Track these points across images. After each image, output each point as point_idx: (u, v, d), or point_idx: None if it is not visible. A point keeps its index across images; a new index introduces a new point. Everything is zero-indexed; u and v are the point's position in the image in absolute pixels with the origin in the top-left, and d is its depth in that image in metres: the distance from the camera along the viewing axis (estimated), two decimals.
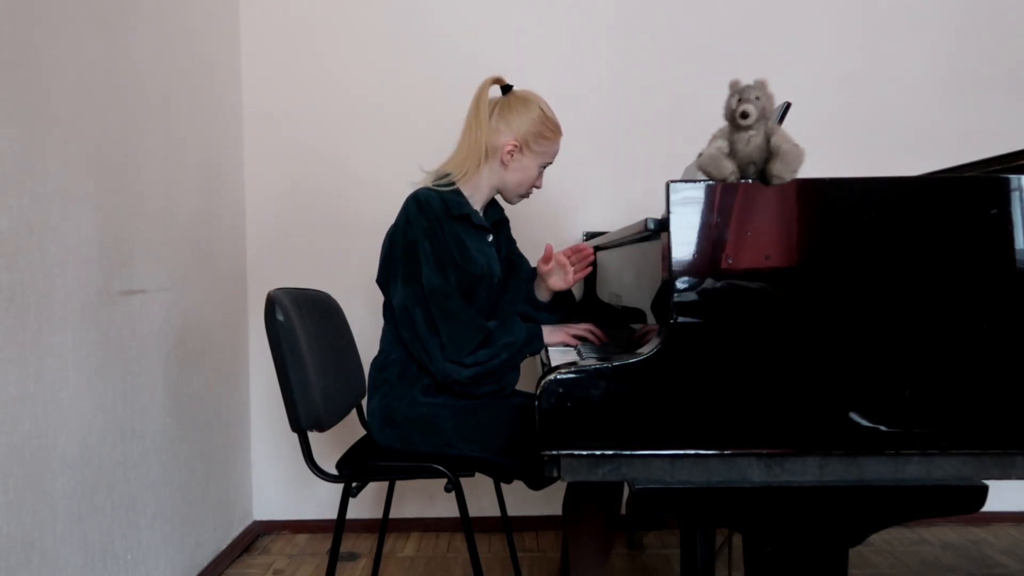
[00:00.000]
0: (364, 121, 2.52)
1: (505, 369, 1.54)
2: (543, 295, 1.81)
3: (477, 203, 1.70)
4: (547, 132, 1.66)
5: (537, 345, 1.58)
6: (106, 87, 1.68)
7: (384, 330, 1.68)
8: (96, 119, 1.64)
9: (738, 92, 1.10)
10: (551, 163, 1.72)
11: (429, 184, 1.64)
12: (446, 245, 1.56)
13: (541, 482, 1.57)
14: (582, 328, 1.66)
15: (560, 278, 1.75)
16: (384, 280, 1.64)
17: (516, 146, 1.64)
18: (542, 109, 1.67)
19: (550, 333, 1.63)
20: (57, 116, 1.51)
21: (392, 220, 1.64)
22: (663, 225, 1.08)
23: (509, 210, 1.84)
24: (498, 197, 1.78)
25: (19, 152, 1.39)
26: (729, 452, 1.06)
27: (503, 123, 1.65)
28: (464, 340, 1.50)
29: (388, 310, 1.65)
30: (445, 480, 1.51)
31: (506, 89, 1.70)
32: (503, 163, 1.66)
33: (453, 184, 1.64)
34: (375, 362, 1.66)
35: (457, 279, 1.56)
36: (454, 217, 1.60)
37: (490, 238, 1.72)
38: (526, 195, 1.74)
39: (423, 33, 2.50)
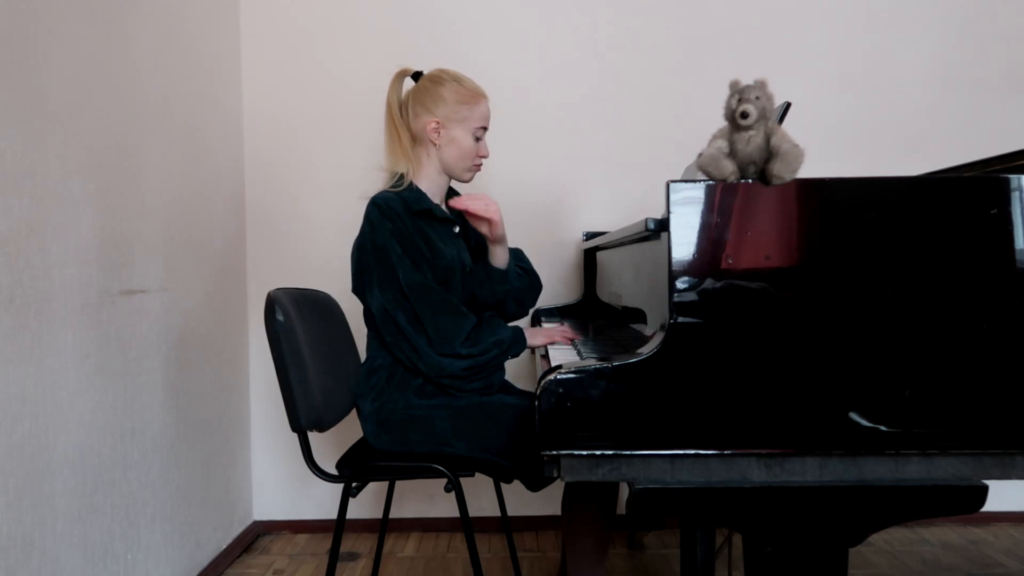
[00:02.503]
0: (364, 121, 2.51)
1: (494, 366, 1.56)
2: (499, 259, 1.73)
3: (436, 196, 1.70)
4: (463, 98, 1.64)
5: (520, 347, 1.59)
6: (106, 87, 1.68)
7: (368, 336, 1.68)
8: (96, 119, 1.64)
9: (738, 92, 1.10)
10: (486, 127, 1.69)
11: (385, 188, 1.64)
12: (415, 242, 1.56)
13: (539, 483, 1.57)
14: (560, 332, 1.69)
15: (484, 226, 1.68)
16: (359, 289, 1.64)
17: (437, 122, 1.64)
18: (454, 79, 1.66)
19: (532, 336, 1.64)
20: (57, 116, 1.51)
21: None
22: (663, 225, 1.08)
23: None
24: (454, 183, 1.76)
25: (19, 152, 1.39)
26: (729, 452, 1.06)
27: (419, 106, 1.65)
28: (453, 331, 1.51)
29: (369, 317, 1.65)
30: (445, 480, 1.51)
31: (417, 76, 1.70)
32: (433, 143, 1.66)
33: (408, 182, 1.65)
34: (362, 369, 1.67)
35: (432, 274, 1.56)
36: (416, 213, 1.59)
37: (456, 229, 1.72)
38: (474, 168, 1.71)
39: (424, 34, 2.50)
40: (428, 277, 1.55)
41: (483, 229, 1.68)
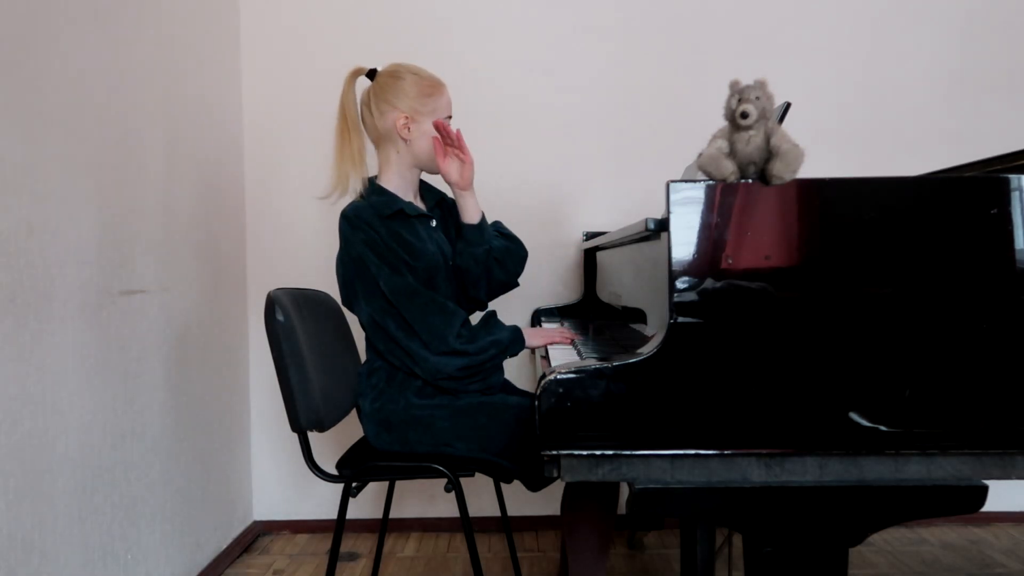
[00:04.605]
0: None
1: (492, 367, 1.55)
2: (471, 215, 1.66)
3: (407, 193, 1.67)
4: (427, 89, 1.63)
5: (519, 346, 1.59)
6: (106, 87, 1.68)
7: (366, 339, 1.68)
8: (96, 119, 1.64)
9: (738, 92, 1.10)
10: (451, 116, 1.67)
11: (356, 198, 1.62)
12: (391, 247, 1.55)
13: (539, 483, 1.57)
14: (560, 332, 1.68)
15: (456, 167, 1.64)
16: (348, 302, 1.65)
17: (406, 117, 1.62)
18: (413, 72, 1.65)
19: (530, 336, 1.63)
20: (57, 116, 1.51)
21: None
22: (663, 225, 1.08)
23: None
24: (427, 177, 1.73)
25: (19, 152, 1.39)
26: (729, 452, 1.06)
27: (383, 103, 1.63)
28: (444, 328, 1.50)
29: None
30: (445, 480, 1.51)
31: (372, 73, 1.69)
32: (403, 139, 1.64)
33: (377, 187, 1.64)
34: (362, 369, 1.66)
35: (413, 276, 1.55)
36: (387, 217, 1.58)
37: (433, 223, 1.69)
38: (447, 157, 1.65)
39: (422, 34, 2.50)
40: (410, 280, 1.54)
41: (452, 172, 1.62)
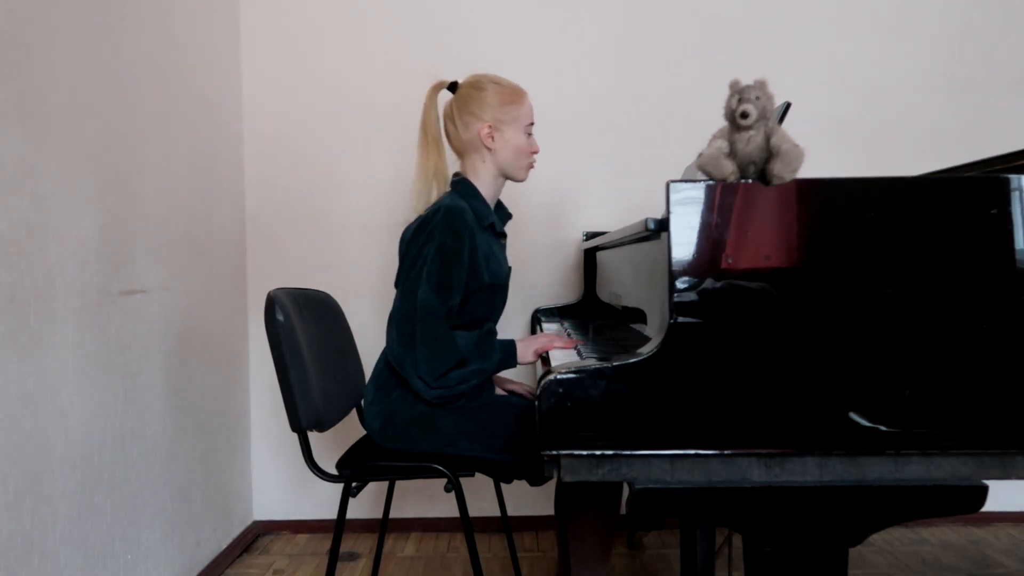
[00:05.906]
0: (363, 121, 2.52)
1: (475, 391, 1.54)
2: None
3: (492, 202, 1.70)
4: (509, 98, 1.65)
5: (511, 364, 1.56)
6: (106, 87, 1.68)
7: (388, 328, 1.63)
8: (96, 119, 1.64)
9: (738, 92, 1.10)
10: (533, 123, 1.70)
11: (449, 191, 1.63)
12: (456, 266, 1.51)
13: (542, 478, 1.57)
14: (550, 339, 1.61)
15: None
16: (403, 271, 1.61)
17: (490, 127, 1.63)
18: (494, 82, 1.66)
19: (523, 352, 1.58)
20: (57, 116, 1.51)
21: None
22: (663, 225, 1.08)
23: (510, 207, 1.83)
24: (509, 185, 1.75)
25: (19, 152, 1.39)
26: (729, 452, 1.06)
27: (467, 115, 1.64)
28: (439, 365, 1.48)
29: None
30: (445, 480, 1.51)
31: (453, 86, 1.70)
32: (488, 148, 1.65)
33: (474, 188, 1.64)
34: (388, 362, 1.60)
35: (452, 302, 1.52)
36: (483, 229, 1.60)
37: (503, 241, 1.73)
38: (530, 165, 1.71)
39: (423, 35, 2.50)
40: (443, 306, 1.51)
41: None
